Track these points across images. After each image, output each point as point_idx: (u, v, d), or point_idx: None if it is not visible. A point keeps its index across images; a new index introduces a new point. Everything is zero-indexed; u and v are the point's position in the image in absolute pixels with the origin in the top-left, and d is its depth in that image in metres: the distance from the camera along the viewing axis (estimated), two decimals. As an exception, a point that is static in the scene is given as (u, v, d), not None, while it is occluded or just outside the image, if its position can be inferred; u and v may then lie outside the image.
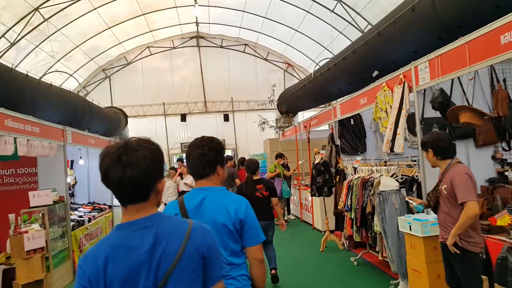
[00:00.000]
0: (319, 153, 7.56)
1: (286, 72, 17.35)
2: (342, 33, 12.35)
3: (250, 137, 16.88)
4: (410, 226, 4.09)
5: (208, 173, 2.19)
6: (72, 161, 9.95)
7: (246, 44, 17.09)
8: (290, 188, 10.72)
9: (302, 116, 15.24)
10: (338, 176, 7.20)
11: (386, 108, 5.22)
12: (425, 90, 4.65)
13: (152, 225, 1.42)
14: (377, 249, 5.40)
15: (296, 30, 14.23)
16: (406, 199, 4.09)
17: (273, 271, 5.62)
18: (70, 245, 7.20)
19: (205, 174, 2.19)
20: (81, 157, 9.74)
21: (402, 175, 4.96)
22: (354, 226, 5.86)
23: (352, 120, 7.70)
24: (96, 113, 10.96)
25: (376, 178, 5.31)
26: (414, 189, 4.71)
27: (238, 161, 11.19)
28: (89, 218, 8.42)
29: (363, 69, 7.68)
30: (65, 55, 13.71)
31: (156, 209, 1.50)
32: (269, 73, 17.37)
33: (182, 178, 9.60)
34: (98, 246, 1.44)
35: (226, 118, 16.97)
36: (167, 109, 16.79)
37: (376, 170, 5.62)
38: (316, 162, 7.44)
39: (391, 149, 4.68)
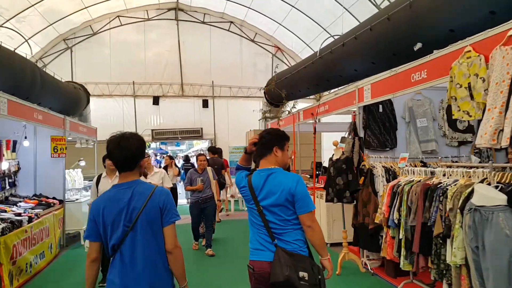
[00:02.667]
0: (337, 146, 5.87)
1: (274, 56, 15.58)
2: (348, 11, 10.71)
3: (231, 127, 15.05)
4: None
5: (265, 153, 2.73)
6: (14, 142, 7.83)
7: (231, 22, 15.18)
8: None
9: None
10: (363, 178, 5.56)
11: (469, 83, 3.57)
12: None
13: (132, 186, 2.38)
14: None
15: (293, 6, 12.45)
16: None
17: None
18: (-3, 256, 5.19)
19: (263, 154, 2.74)
20: (26, 137, 7.64)
21: (497, 182, 3.31)
22: (402, 249, 4.20)
23: (381, 106, 6.07)
24: (49, 84, 8.82)
25: (450, 185, 3.66)
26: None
27: (208, 149, 11.23)
28: (29, 217, 6.37)
29: (397, 42, 6.04)
30: (16, 15, 11.36)
31: (138, 176, 2.46)
32: (256, 56, 15.54)
33: (145, 176, 6.73)
34: (101, 197, 2.48)
35: (205, 104, 15.03)
36: (137, 89, 14.66)
37: (445, 172, 3.95)
38: (335, 157, 5.76)
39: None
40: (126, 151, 2.35)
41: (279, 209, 2.58)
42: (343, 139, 5.98)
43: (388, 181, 5.37)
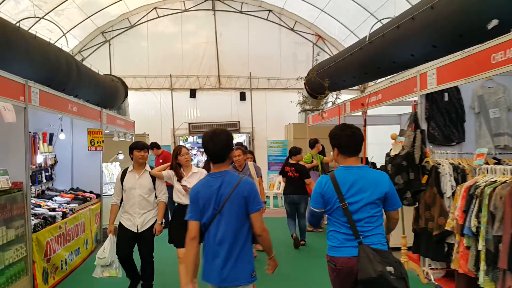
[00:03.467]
0: (396, 140, 5.20)
1: (315, 45, 14.84)
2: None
3: (269, 120, 14.51)
4: None
5: (358, 151, 2.78)
6: (51, 135, 7.66)
7: (270, 10, 14.57)
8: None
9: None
10: (427, 176, 4.86)
11: None
12: None
13: (222, 176, 2.71)
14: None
15: (337, -10, 11.71)
16: None
17: (302, 242, 7.12)
18: (30, 254, 4.95)
19: (356, 152, 2.77)
20: (62, 130, 7.43)
21: None
22: (482, 263, 3.51)
23: (446, 95, 5.33)
24: (85, 76, 8.62)
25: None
26: None
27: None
28: (63, 212, 6.12)
29: (465, 21, 5.29)
30: (55, 8, 11.29)
31: (228, 167, 2.80)
32: (295, 46, 14.85)
33: (179, 178, 4.63)
34: (198, 183, 2.85)
35: (242, 96, 14.56)
36: (175, 82, 14.39)
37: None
38: (393, 153, 5.10)
39: None
40: (217, 146, 2.69)
41: (370, 206, 2.64)
42: (402, 132, 5.30)
43: (457, 180, 4.67)
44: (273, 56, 14.67)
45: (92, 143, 7.63)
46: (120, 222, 4.77)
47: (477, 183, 3.79)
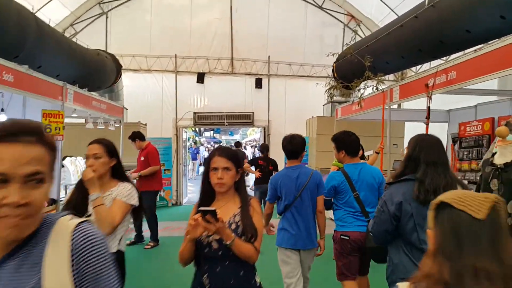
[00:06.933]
0: (503, 138, 3.02)
1: (346, 27, 12.58)
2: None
3: (288, 112, 12.38)
4: None
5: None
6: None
7: (295, -16, 12.41)
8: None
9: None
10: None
11: None
12: None
13: (298, 168, 3.66)
14: None
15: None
16: None
17: None
18: None
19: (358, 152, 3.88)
20: (2, 110, 5.49)
21: None
22: None
23: None
24: (52, 40, 6.65)
25: None
26: None
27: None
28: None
29: None
30: (36, -34, 9.40)
31: (300, 162, 3.74)
32: (323, 27, 12.63)
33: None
34: (278, 174, 3.93)
35: (258, 83, 12.43)
36: (180, 64, 12.35)
37: None
38: (499, 161, 2.91)
39: None
40: (295, 146, 3.68)
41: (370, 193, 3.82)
42: (508, 124, 3.12)
43: None
44: (296, 39, 12.49)
45: (49, 130, 5.65)
46: None
47: None
